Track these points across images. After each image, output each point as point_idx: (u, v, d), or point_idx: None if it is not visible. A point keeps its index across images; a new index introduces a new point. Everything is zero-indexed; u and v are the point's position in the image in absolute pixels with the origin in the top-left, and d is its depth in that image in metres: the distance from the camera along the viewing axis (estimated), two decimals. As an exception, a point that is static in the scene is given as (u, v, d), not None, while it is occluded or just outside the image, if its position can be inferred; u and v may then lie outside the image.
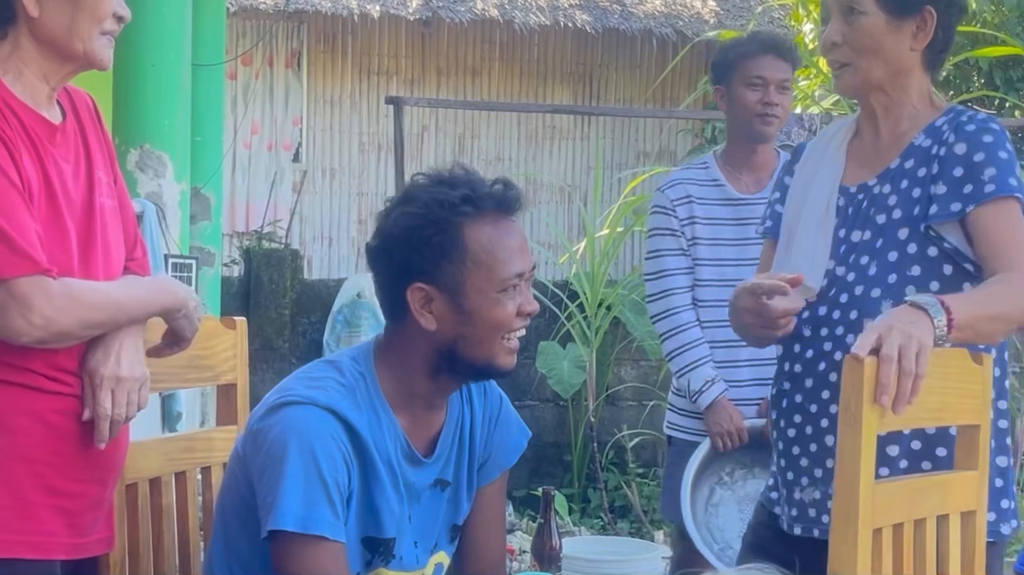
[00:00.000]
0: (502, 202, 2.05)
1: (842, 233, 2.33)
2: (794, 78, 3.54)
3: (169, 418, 4.81)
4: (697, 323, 3.39)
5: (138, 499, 2.26)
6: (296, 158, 9.70)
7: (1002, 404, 2.28)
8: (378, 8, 9.13)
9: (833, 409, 2.22)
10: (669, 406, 3.56)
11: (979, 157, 2.21)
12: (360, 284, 8.33)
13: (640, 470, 7.01)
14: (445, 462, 2.17)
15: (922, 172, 2.27)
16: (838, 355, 2.25)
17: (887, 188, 2.30)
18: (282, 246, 8.81)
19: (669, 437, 3.57)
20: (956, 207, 2.21)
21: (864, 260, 2.28)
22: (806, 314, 2.31)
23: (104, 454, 2.09)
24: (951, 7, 2.30)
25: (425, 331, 2.05)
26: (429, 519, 2.17)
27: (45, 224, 2.00)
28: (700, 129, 9.59)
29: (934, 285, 2.23)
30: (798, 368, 2.34)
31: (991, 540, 2.22)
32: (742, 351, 3.27)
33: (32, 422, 2.01)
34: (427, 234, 2.02)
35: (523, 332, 2.08)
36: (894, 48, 2.27)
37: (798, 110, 6.67)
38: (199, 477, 2.43)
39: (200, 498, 2.44)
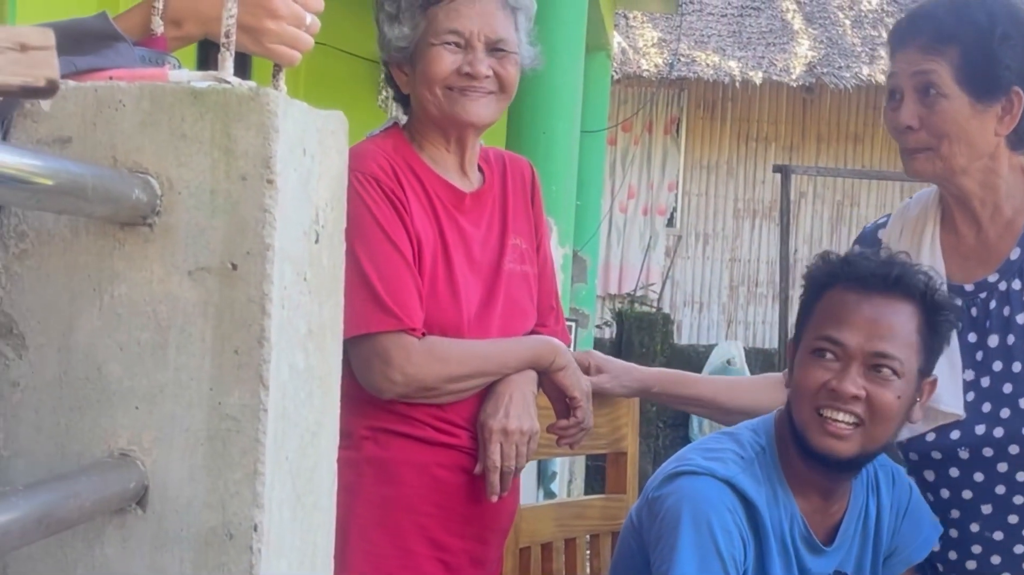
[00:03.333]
0: (862, 273, 1.97)
1: (972, 338, 2.08)
2: None
3: (544, 477, 4.89)
4: None
5: (530, 563, 2.28)
6: (670, 223, 9.77)
7: None
8: (760, 74, 9.08)
9: None
10: None
11: None
12: (730, 351, 8.26)
13: None
14: (846, 553, 2.07)
15: None
16: (1020, 476, 2.03)
17: (1017, 283, 2.06)
18: (653, 310, 8.87)
19: None
20: None
21: (1018, 368, 2.03)
22: (955, 434, 2.07)
23: (485, 512, 2.12)
24: None
25: (787, 389, 2.04)
26: None
27: (438, 283, 2.07)
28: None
29: None
30: (968, 494, 2.09)
31: None
32: None
33: (418, 474, 2.07)
34: (805, 288, 2.04)
35: (847, 418, 1.92)
36: (979, 134, 2.02)
37: None
38: (588, 545, 2.44)
39: (588, 565, 2.45)
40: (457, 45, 2.08)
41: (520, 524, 2.22)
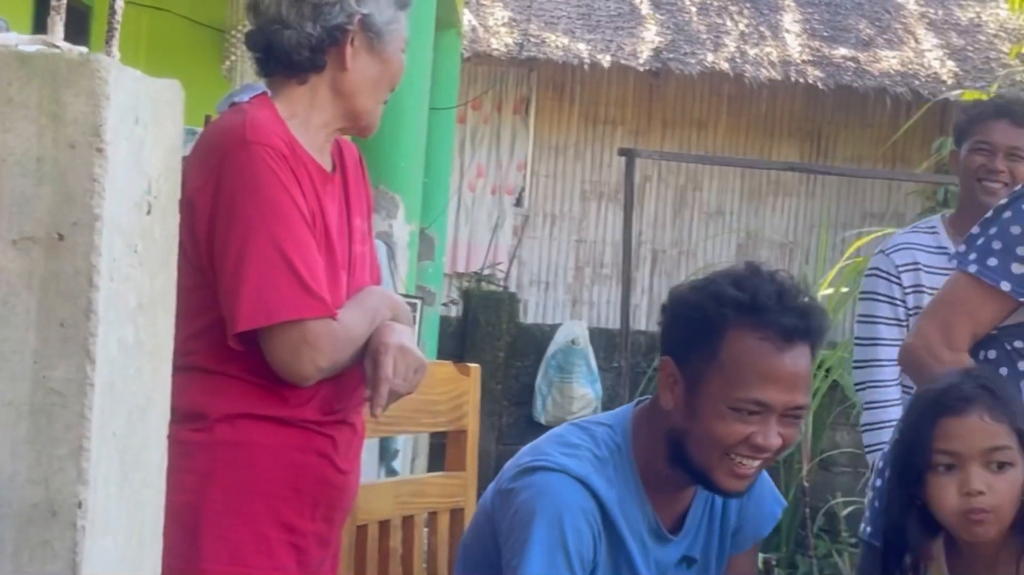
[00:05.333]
0: (782, 326, 1.93)
1: None
2: None
3: (387, 455, 4.88)
4: (899, 402, 3.20)
5: (367, 541, 2.28)
6: (518, 203, 9.82)
7: None
8: (608, 58, 9.18)
9: None
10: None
11: None
12: (575, 331, 8.36)
13: (852, 539, 6.78)
14: (693, 538, 2.11)
15: None
16: None
17: None
18: (500, 289, 8.92)
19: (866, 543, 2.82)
20: None
21: None
22: None
23: (334, 493, 2.12)
24: None
25: (664, 408, 2.00)
26: None
27: (324, 261, 2.06)
28: (932, 191, 9.29)
29: None
30: None
31: None
32: None
33: (273, 457, 2.05)
34: (693, 317, 1.98)
35: (757, 463, 1.96)
36: None
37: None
38: (426, 522, 2.44)
39: (426, 543, 2.45)
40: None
41: (358, 502, 2.22)
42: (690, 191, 9.95)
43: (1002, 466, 2.01)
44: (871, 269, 3.33)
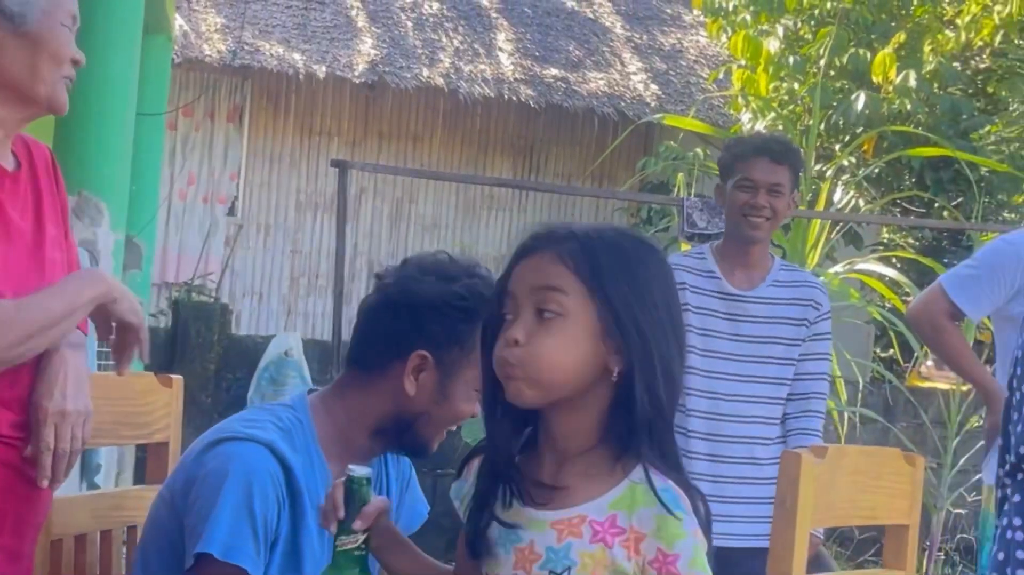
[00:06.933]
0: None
1: None
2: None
3: (88, 470, 4.72)
4: (685, 410, 3.38)
5: (62, 555, 2.21)
6: (231, 212, 9.67)
7: None
8: (324, 69, 9.16)
9: None
10: None
11: None
12: (288, 342, 8.27)
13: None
14: None
15: None
16: None
17: None
18: (211, 299, 8.74)
19: None
20: None
21: None
22: None
23: (24, 505, 2.04)
24: None
25: (402, 394, 2.07)
26: None
27: None
28: (636, 209, 9.70)
29: None
30: None
31: None
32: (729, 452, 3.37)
33: None
34: (459, 318, 2.06)
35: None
36: None
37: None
38: (125, 536, 2.39)
39: (124, 557, 2.40)
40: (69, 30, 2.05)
41: (53, 516, 2.15)
42: (406, 204, 10.05)
43: (545, 314, 1.61)
44: None
